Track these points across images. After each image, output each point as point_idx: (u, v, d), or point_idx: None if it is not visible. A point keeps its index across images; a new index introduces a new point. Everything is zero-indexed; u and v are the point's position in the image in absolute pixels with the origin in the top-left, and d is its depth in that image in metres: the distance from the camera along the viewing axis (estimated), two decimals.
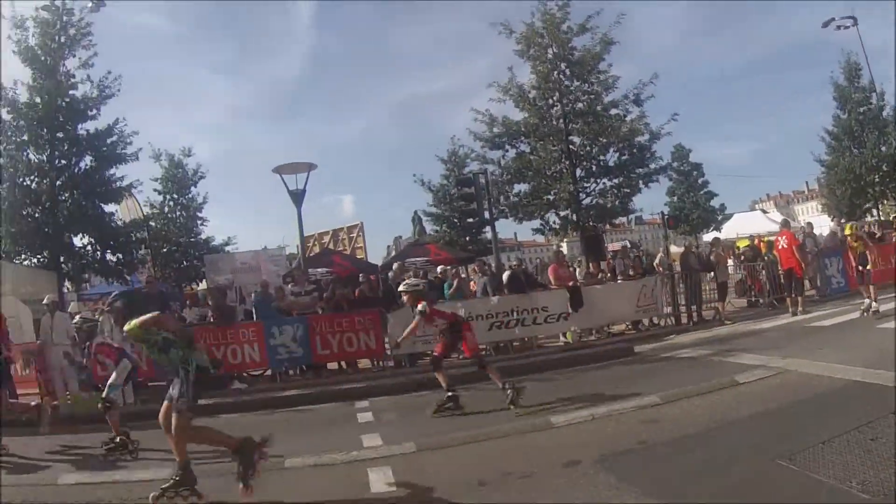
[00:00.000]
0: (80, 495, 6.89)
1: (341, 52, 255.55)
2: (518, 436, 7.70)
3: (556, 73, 22.25)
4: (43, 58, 19.22)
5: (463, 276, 19.67)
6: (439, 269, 18.30)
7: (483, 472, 6.26)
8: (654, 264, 18.66)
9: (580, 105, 22.37)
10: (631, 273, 17.48)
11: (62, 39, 19.47)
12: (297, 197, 16.69)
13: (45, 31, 19.26)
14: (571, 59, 22.15)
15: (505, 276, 17.02)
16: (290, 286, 17.13)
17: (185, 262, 27.51)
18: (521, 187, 23.13)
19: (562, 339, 15.95)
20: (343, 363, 15.14)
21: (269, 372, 14.83)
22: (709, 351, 12.29)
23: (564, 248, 33.20)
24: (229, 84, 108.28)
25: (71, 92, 19.54)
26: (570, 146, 22.24)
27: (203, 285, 26.22)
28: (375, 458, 7.13)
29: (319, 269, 22.09)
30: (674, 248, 27.38)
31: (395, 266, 17.72)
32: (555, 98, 22.36)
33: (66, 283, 19.85)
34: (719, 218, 48.30)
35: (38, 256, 19.24)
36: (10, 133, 19.04)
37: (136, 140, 20.56)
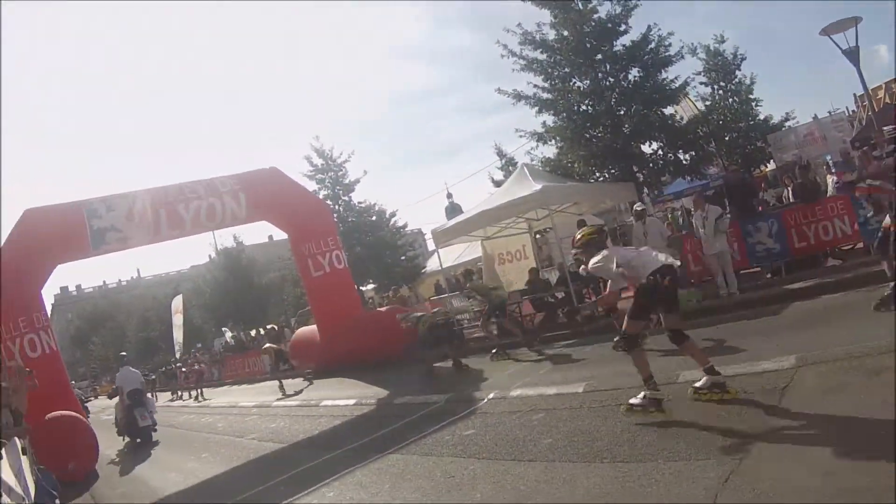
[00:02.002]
0: None
1: None
2: None
3: None
4: None
5: None
6: None
7: None
8: None
9: None
10: None
11: None
12: (853, 55, 16.21)
13: None
14: None
15: None
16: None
17: (749, 147, 26.89)
18: None
19: None
20: None
21: (860, 245, 13.91)
22: None
23: None
24: None
25: (595, 16, 20.32)
26: None
27: (771, 166, 25.71)
28: None
29: (887, 127, 19.93)
30: None
31: None
32: None
33: (645, 189, 20.96)
34: None
35: (612, 171, 20.54)
36: (550, 70, 20.68)
37: (672, 41, 20.67)
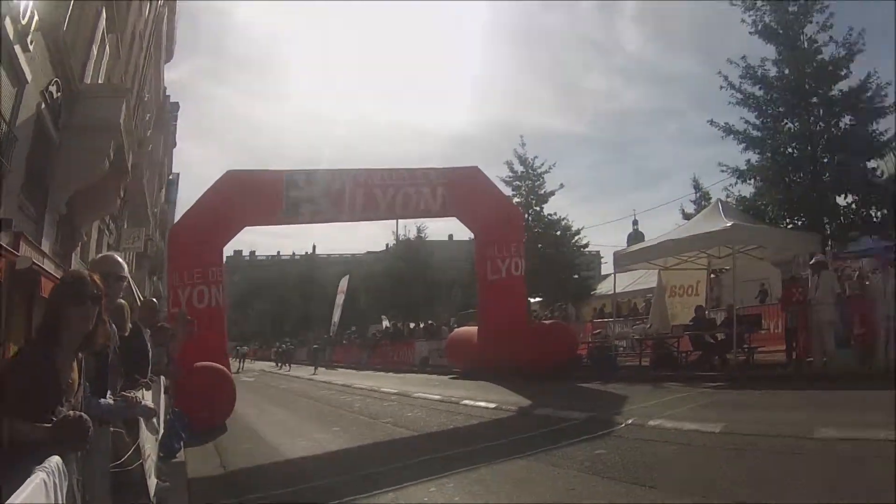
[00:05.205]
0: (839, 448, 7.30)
1: None
2: None
3: None
4: (780, 31, 19.96)
5: None
6: None
7: None
8: None
9: None
10: None
11: (794, 9, 19.91)
12: None
13: (776, 7, 20.02)
14: None
15: None
16: None
17: None
18: None
19: None
20: None
21: None
22: None
23: None
24: None
25: (818, 57, 19.70)
26: None
27: None
28: None
29: None
30: None
31: None
32: None
33: (829, 243, 19.91)
34: None
35: (802, 219, 19.76)
36: (765, 107, 20.24)
37: (889, 91, 19.41)
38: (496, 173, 31.66)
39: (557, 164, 33.37)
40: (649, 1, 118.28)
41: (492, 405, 14.27)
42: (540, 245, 31.38)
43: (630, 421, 10.33)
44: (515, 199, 31.39)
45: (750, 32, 20.41)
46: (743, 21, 20.47)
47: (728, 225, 16.20)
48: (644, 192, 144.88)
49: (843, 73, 19.57)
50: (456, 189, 20.35)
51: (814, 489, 6.02)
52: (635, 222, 56.24)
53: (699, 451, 8.10)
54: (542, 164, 33.09)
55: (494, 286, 21.17)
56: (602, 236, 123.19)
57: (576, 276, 33.90)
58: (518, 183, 32.99)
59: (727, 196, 21.73)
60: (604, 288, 32.51)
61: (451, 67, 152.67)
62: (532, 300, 31.07)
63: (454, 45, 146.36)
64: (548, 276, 30.73)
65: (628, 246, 23.62)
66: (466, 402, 15.38)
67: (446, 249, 57.40)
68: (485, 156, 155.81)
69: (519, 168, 33.00)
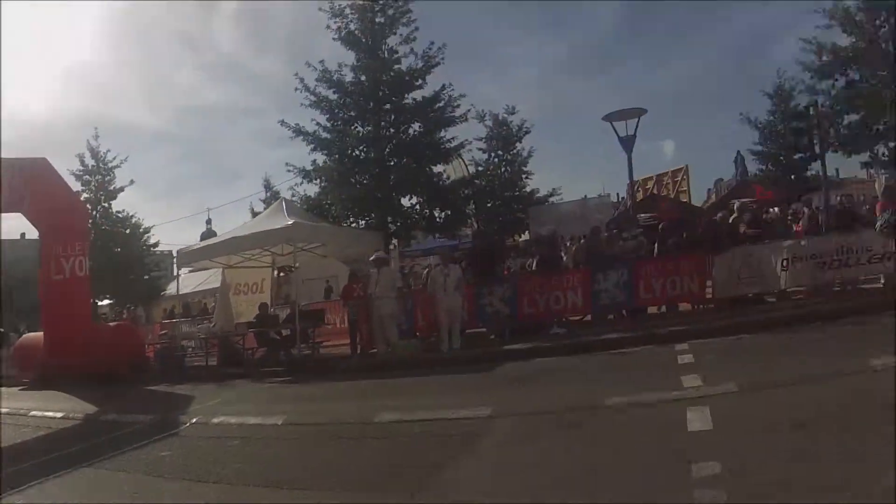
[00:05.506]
0: (399, 429, 7.87)
1: None
2: (840, 378, 7.09)
3: None
4: (363, 40, 20.77)
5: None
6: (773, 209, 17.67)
7: (802, 414, 5.85)
8: None
9: None
10: None
11: (381, 20, 20.86)
12: (627, 143, 17.19)
13: (363, 16, 20.80)
14: None
15: (832, 212, 15.80)
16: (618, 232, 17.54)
17: (508, 215, 27.98)
18: (852, 118, 21.44)
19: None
20: (664, 307, 15.02)
21: (588, 318, 15.13)
22: None
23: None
24: (544, 42, 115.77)
25: (396, 66, 20.85)
26: None
27: (526, 236, 26.74)
28: (695, 398, 7.02)
29: (644, 215, 21.48)
30: None
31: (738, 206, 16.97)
32: (882, 19, 20.05)
33: (394, 241, 21.29)
34: None
35: (367, 219, 20.76)
36: (336, 111, 20.90)
37: (463, 102, 21.38)
38: (69, 167, 29.84)
39: (131, 159, 32.05)
40: (249, 1, 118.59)
41: (59, 414, 13.46)
42: (108, 244, 29.82)
43: (194, 420, 10.44)
44: (84, 195, 29.74)
45: (333, 38, 21.03)
46: (328, 27, 21.02)
47: (289, 223, 16.40)
48: (219, 190, 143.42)
49: (418, 84, 20.93)
50: (21, 182, 18.27)
51: (372, 469, 6.46)
52: (209, 221, 55.68)
53: (260, 442, 8.45)
54: (114, 158, 31.76)
55: (58, 287, 19.24)
56: (178, 235, 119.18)
57: (146, 277, 32.88)
58: (88, 177, 31.26)
59: (293, 195, 22.27)
60: (174, 288, 31.71)
61: (42, 52, 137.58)
62: (102, 303, 29.43)
63: (49, 27, 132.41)
64: (117, 277, 29.23)
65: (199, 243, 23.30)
66: (34, 413, 14.33)
67: (18, 249, 52.20)
68: (67, 148, 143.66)
69: (90, 162, 31.31)
